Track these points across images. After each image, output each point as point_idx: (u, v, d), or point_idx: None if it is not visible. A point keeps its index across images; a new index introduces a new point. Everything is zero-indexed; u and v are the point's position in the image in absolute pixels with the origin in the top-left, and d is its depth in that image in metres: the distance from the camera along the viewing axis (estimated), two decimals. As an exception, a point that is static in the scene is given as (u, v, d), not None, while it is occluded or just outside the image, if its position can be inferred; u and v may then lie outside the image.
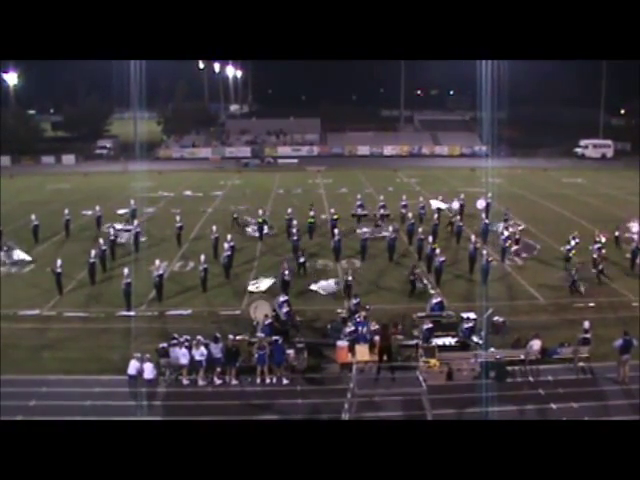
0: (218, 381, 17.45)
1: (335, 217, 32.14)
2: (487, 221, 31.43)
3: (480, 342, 18.50)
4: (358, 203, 36.50)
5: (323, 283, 24.20)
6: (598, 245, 26.88)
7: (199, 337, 17.78)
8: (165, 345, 18.13)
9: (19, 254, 28.67)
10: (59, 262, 24.22)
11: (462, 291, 24.56)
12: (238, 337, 18.62)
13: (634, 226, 28.98)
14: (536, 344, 18.31)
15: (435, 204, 35.62)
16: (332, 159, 69.43)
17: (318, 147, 75.07)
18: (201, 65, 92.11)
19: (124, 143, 71.74)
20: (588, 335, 18.29)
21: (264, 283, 23.17)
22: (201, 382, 17.40)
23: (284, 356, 17.77)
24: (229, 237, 27.54)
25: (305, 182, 52.95)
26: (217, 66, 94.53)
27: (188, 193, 47.58)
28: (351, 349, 18.16)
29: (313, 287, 23.81)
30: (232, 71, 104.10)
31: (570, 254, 27.46)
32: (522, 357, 18.25)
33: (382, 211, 35.04)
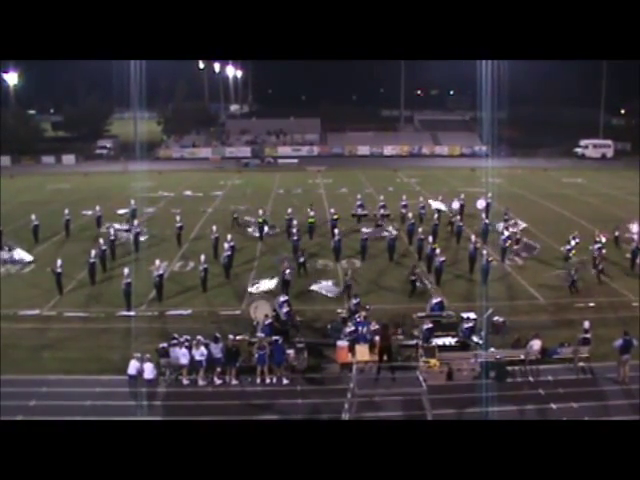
0: (218, 381, 17.45)
1: (335, 217, 32.15)
2: (487, 221, 31.43)
3: (480, 342, 18.50)
4: (358, 203, 36.52)
5: (324, 284, 24.01)
6: (598, 245, 26.87)
7: (199, 337, 17.78)
8: (165, 345, 18.13)
9: (20, 253, 28.65)
10: (59, 262, 24.22)
11: (462, 291, 24.56)
12: (238, 337, 18.62)
13: (634, 227, 28.94)
14: (536, 344, 18.31)
15: (435, 205, 35.58)
16: (332, 159, 69.43)
17: (318, 147, 75.08)
18: (201, 65, 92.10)
19: (124, 143, 71.75)
20: (588, 335, 18.29)
21: (267, 284, 22.88)
22: (201, 382, 17.40)
23: (284, 356, 17.77)
24: (229, 237, 27.55)
25: (305, 182, 52.95)
26: (217, 66, 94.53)
27: (188, 193, 47.59)
28: (351, 349, 18.16)
29: (314, 287, 23.68)
30: (232, 71, 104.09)
31: (570, 254, 27.47)
32: (522, 357, 18.25)
33: (382, 211, 35.04)
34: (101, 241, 27.70)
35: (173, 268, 27.75)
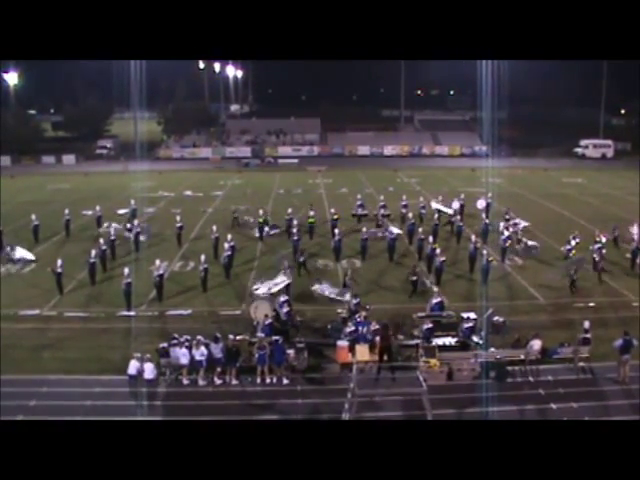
0: (218, 381, 17.45)
1: (335, 217, 32.16)
2: (487, 221, 31.43)
3: (480, 342, 18.49)
4: (358, 203, 36.54)
5: (325, 286, 23.61)
6: (598, 245, 26.88)
7: (199, 337, 17.79)
8: (165, 345, 18.13)
9: (22, 252, 28.62)
10: (59, 262, 24.22)
11: (462, 291, 24.57)
12: (238, 337, 18.62)
13: (634, 228, 28.90)
14: (536, 344, 18.31)
15: (435, 206, 35.55)
16: (332, 159, 69.43)
17: (318, 147, 75.07)
18: (201, 65, 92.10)
19: (124, 143, 71.74)
20: (588, 335, 18.29)
21: (276, 285, 22.53)
22: (201, 382, 17.40)
23: (284, 356, 17.77)
24: (229, 237, 27.55)
25: (305, 182, 52.95)
26: (217, 66, 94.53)
27: (188, 193, 47.59)
28: (351, 349, 18.17)
29: (315, 288, 23.36)
30: (232, 71, 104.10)
31: (570, 254, 27.46)
32: (522, 357, 18.25)
33: (382, 211, 35.03)
34: (101, 241, 27.71)
35: (173, 268, 27.75)
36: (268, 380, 17.59)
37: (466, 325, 19.12)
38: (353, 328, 18.61)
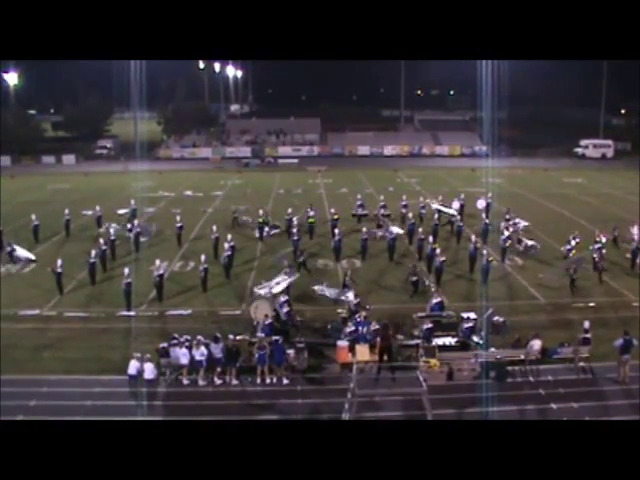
0: (218, 381, 17.45)
1: (335, 217, 32.16)
2: (487, 221, 31.43)
3: (480, 342, 18.49)
4: (358, 203, 36.54)
5: (327, 287, 23.39)
6: (598, 245, 26.88)
7: (199, 337, 17.78)
8: (165, 345, 18.13)
9: (22, 252, 28.59)
10: (59, 262, 24.22)
11: (462, 291, 24.57)
12: (238, 337, 18.62)
13: (634, 230, 28.88)
14: (536, 344, 18.31)
15: (436, 207, 35.47)
16: (332, 159, 69.43)
17: (318, 147, 75.07)
18: (201, 65, 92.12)
19: (124, 143, 71.77)
20: (588, 335, 18.28)
21: (280, 284, 22.44)
22: (201, 382, 17.40)
23: (284, 356, 17.77)
24: (229, 237, 27.55)
25: (305, 182, 52.95)
26: (217, 66, 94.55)
27: (188, 193, 47.59)
28: (351, 349, 18.17)
29: (317, 288, 23.16)
30: (232, 71, 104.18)
31: (570, 254, 27.46)
32: (522, 357, 18.25)
33: (382, 211, 35.03)
34: (101, 241, 27.70)
35: (173, 268, 27.75)
36: (268, 380, 17.59)
37: (466, 325, 19.12)
38: (353, 328, 18.62)
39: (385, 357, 17.79)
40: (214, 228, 29.45)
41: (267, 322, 18.95)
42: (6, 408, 15.17)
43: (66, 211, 33.62)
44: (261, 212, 32.98)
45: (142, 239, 30.64)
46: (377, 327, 18.56)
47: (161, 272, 23.78)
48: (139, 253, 29.39)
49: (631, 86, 74.26)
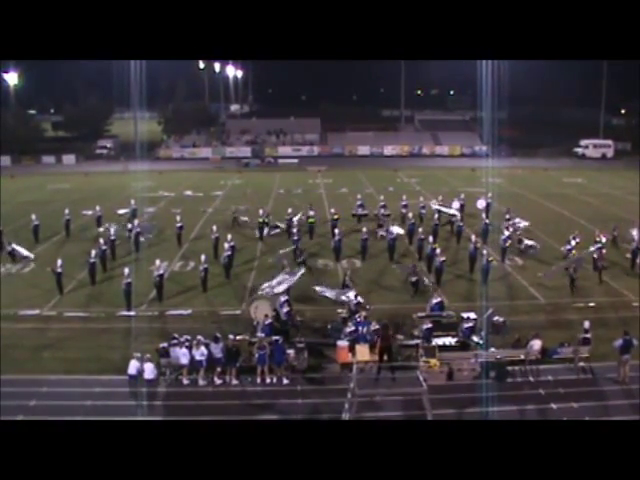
0: (218, 381, 17.45)
1: (335, 217, 32.16)
2: (487, 221, 31.43)
3: (480, 342, 18.49)
4: (358, 203, 36.54)
5: (330, 288, 23.21)
6: (598, 245, 26.87)
7: (199, 337, 17.79)
8: (165, 345, 18.13)
9: (22, 251, 28.56)
10: (59, 262, 24.22)
11: (462, 291, 24.57)
12: (238, 337, 18.62)
13: (634, 232, 28.83)
14: (536, 344, 18.30)
15: (436, 207, 35.44)
16: (332, 159, 69.43)
17: (318, 147, 75.08)
18: (201, 65, 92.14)
19: (124, 143, 71.78)
20: (588, 335, 18.28)
21: (282, 283, 22.42)
22: (201, 382, 17.40)
23: (284, 356, 17.77)
24: (229, 237, 27.55)
25: (305, 182, 52.96)
26: (217, 66, 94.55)
27: (188, 193, 47.60)
28: (351, 349, 18.17)
29: (318, 289, 23.01)
30: (232, 71, 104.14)
31: (570, 254, 27.45)
32: (522, 357, 18.24)
33: (382, 211, 35.03)
34: (101, 241, 27.70)
35: (173, 268, 27.75)
36: (268, 380, 17.59)
37: (466, 325, 19.12)
38: (353, 328, 18.61)
39: (385, 357, 17.78)
40: (214, 228, 29.45)
41: (267, 322, 18.95)
42: (6, 408, 15.17)
43: (66, 211, 33.62)
44: (261, 212, 32.98)
45: (142, 239, 30.64)
46: (377, 327, 18.57)
47: (161, 272, 23.78)
48: (139, 253, 29.39)
49: (631, 86, 74.27)
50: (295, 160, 68.42)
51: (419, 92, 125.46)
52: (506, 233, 29.15)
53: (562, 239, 29.59)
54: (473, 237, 28.26)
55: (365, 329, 18.49)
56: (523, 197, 44.42)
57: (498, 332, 19.42)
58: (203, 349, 17.35)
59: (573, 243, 27.98)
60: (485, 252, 25.38)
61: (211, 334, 18.14)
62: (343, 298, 21.29)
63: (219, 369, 17.51)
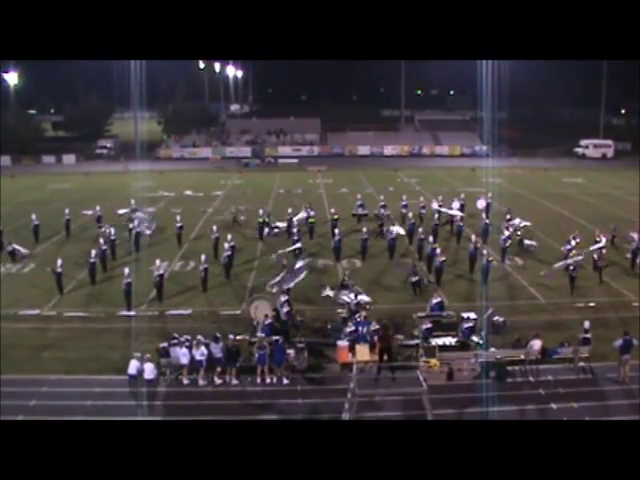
0: (218, 381, 17.45)
1: (335, 217, 32.16)
2: (487, 221, 31.43)
3: (480, 342, 18.49)
4: (358, 203, 36.53)
5: (335, 291, 23.08)
6: (598, 245, 26.86)
7: (199, 337, 17.79)
8: (165, 345, 18.13)
9: (22, 250, 28.55)
10: (59, 262, 24.23)
11: (462, 291, 24.57)
12: (238, 337, 18.62)
13: (635, 235, 28.80)
14: (536, 344, 18.30)
15: (436, 208, 35.41)
16: (332, 159, 69.43)
17: (318, 147, 75.08)
18: (201, 65, 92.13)
19: (124, 143, 71.78)
20: (588, 335, 18.28)
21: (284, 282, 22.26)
22: (201, 382, 17.40)
23: (284, 356, 17.77)
24: (229, 237, 27.55)
25: (305, 182, 52.96)
26: (217, 66, 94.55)
27: (188, 193, 47.60)
28: (351, 349, 18.16)
29: (326, 292, 22.89)
30: (232, 71, 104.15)
31: (570, 254, 27.43)
32: (522, 357, 18.24)
33: (383, 211, 35.03)
34: (101, 241, 27.70)
35: (173, 268, 27.75)
36: (268, 380, 17.59)
37: (466, 325, 19.11)
38: (353, 328, 18.61)
39: (385, 357, 17.78)
40: (214, 228, 29.45)
41: (267, 322, 18.95)
42: (6, 408, 15.16)
43: (66, 211, 33.62)
44: (261, 212, 32.98)
45: (147, 231, 30.71)
46: (377, 327, 18.57)
47: (161, 272, 23.78)
48: (139, 253, 29.39)
49: (631, 86, 74.31)
50: (295, 160, 68.42)
51: (419, 92, 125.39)
52: (506, 233, 29.15)
53: (562, 239, 29.57)
54: (473, 237, 28.25)
55: (365, 329, 18.49)
56: (523, 197, 44.41)
57: (498, 332, 19.41)
58: (203, 349, 17.35)
59: (573, 243, 27.97)
60: (485, 252, 25.37)
61: (211, 334, 18.14)
62: (346, 299, 21.14)
63: (219, 369, 17.51)
